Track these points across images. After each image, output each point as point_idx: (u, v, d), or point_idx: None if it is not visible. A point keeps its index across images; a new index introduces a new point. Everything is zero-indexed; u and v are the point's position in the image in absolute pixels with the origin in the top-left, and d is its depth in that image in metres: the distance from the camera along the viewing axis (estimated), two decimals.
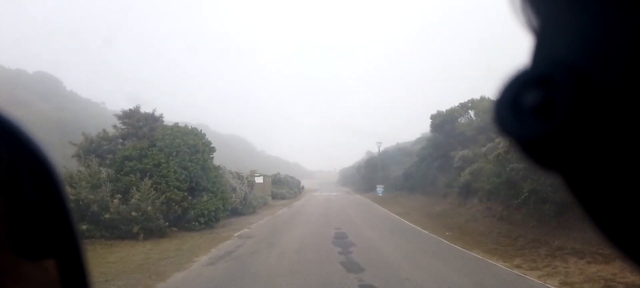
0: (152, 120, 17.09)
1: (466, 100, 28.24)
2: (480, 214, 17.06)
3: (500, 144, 15.71)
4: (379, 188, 37.66)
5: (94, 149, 15.79)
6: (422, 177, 31.70)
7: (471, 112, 27.67)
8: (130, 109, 17.11)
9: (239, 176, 22.20)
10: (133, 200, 12.74)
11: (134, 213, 12.47)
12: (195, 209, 14.95)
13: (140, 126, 16.69)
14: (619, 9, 0.26)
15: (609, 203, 0.28)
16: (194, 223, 14.83)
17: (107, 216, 12.33)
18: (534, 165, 0.29)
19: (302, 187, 54.26)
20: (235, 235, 14.07)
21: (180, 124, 17.49)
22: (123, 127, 16.79)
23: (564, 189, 0.29)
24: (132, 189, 13.25)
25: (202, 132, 17.34)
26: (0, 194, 0.59)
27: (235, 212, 20.39)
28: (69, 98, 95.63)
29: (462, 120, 27.91)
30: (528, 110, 0.28)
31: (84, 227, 11.75)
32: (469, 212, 18.44)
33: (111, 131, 16.79)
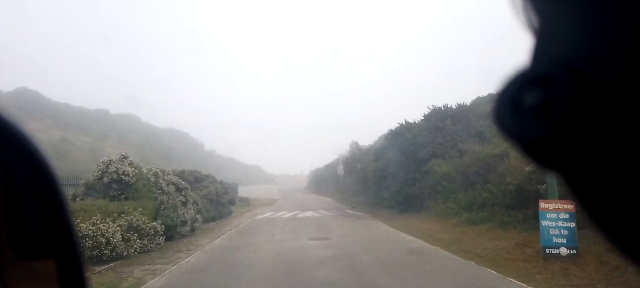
0: None
1: None
2: None
3: None
4: None
5: None
6: None
7: None
8: None
9: None
10: None
11: None
12: None
13: None
14: (619, 8, 0.26)
15: (609, 203, 0.27)
16: None
17: None
18: (534, 165, 0.29)
19: (235, 199, 23.83)
20: None
21: None
22: None
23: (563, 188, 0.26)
24: None
25: None
26: None
27: None
28: None
29: None
30: (528, 110, 0.28)
31: None
32: None
33: None
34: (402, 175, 18.87)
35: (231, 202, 21.67)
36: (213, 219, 18.19)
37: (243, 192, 45.33)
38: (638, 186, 0.26)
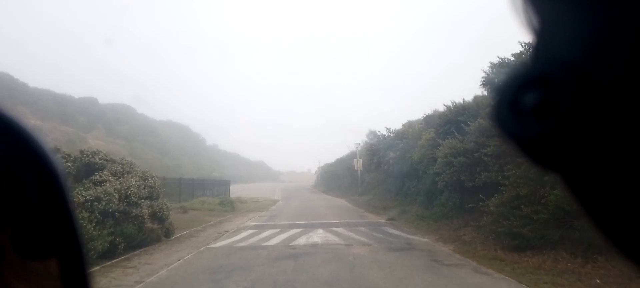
0: None
1: None
2: None
3: None
4: None
5: None
6: None
7: None
8: None
9: None
10: None
11: None
12: None
13: None
14: (618, 8, 0.26)
15: (609, 203, 0.27)
16: None
17: None
18: (533, 165, 0.29)
19: (168, 214, 13.37)
20: None
21: None
22: None
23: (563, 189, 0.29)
24: None
25: None
26: (2, 193, 0.59)
27: None
28: None
29: None
30: (528, 109, 0.28)
31: None
32: None
33: None
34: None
35: (158, 217, 10.79)
36: (104, 256, 7.86)
37: (241, 190, 37.47)
38: (637, 186, 0.26)
